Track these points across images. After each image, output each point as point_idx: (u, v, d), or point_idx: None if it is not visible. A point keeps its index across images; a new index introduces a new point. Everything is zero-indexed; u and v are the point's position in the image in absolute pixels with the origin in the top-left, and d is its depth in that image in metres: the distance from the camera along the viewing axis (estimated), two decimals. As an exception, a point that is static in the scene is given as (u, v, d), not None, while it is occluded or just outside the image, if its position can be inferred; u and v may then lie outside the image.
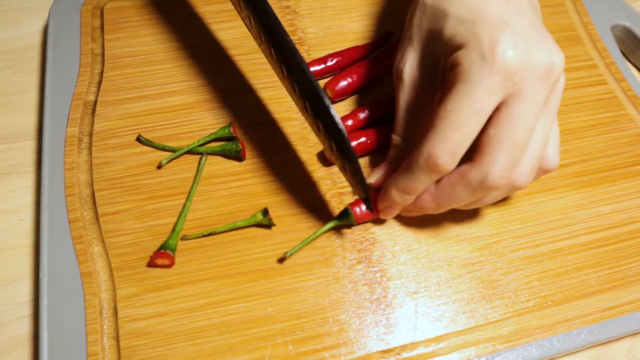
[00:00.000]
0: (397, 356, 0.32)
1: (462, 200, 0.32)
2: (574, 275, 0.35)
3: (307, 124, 0.40)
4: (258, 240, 0.35)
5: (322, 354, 0.32)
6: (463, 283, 0.35)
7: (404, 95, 0.35)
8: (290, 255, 0.34)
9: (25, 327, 0.33)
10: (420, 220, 0.36)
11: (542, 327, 0.33)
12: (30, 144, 0.40)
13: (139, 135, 0.38)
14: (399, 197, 0.33)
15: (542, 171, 0.33)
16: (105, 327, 0.32)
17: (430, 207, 0.33)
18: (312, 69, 0.41)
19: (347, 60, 0.42)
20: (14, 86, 0.43)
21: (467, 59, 0.29)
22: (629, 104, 0.44)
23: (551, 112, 0.31)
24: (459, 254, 0.36)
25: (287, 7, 0.46)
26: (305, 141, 0.39)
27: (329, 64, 0.42)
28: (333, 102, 0.41)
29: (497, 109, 0.29)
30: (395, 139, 0.36)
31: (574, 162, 0.40)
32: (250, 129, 0.39)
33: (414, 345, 0.32)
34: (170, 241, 0.34)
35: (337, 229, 0.36)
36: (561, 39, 0.47)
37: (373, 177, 0.36)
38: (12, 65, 0.44)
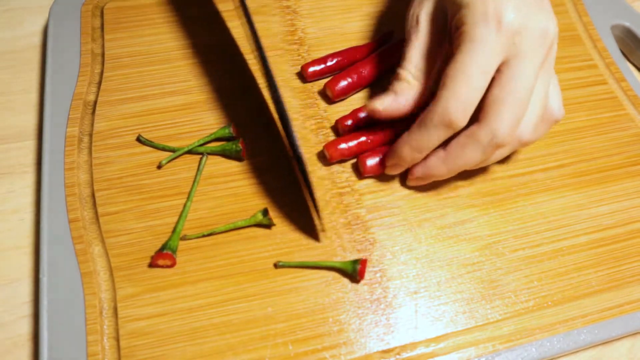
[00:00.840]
0: (397, 356, 0.32)
1: (472, 160, 0.33)
2: (574, 275, 0.35)
3: (306, 124, 0.40)
4: (258, 240, 0.35)
5: (322, 354, 0.32)
6: (463, 283, 0.35)
7: (417, 38, 0.36)
8: (282, 266, 0.34)
9: (25, 327, 0.33)
10: (420, 220, 0.37)
11: (542, 327, 0.33)
12: (30, 144, 0.40)
13: (139, 135, 0.38)
14: (410, 155, 0.34)
15: (549, 122, 0.35)
16: (105, 327, 0.32)
17: (442, 171, 0.34)
18: (311, 69, 0.41)
19: (347, 60, 0.42)
20: (14, 86, 0.43)
21: (471, 19, 0.31)
22: (629, 103, 0.44)
23: (548, 71, 0.33)
24: (459, 254, 0.36)
25: (287, 7, 0.46)
26: (305, 141, 0.39)
27: (329, 64, 0.42)
28: (333, 102, 0.41)
29: (498, 70, 0.31)
30: (403, 73, 0.36)
31: (573, 162, 0.40)
32: (250, 129, 0.39)
33: (414, 345, 0.32)
34: (172, 242, 0.34)
35: (338, 271, 0.36)
36: (561, 38, 0.47)
37: (380, 104, 0.35)
38: (12, 65, 0.44)
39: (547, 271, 0.35)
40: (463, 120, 0.31)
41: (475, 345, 0.33)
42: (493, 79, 0.31)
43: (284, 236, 0.35)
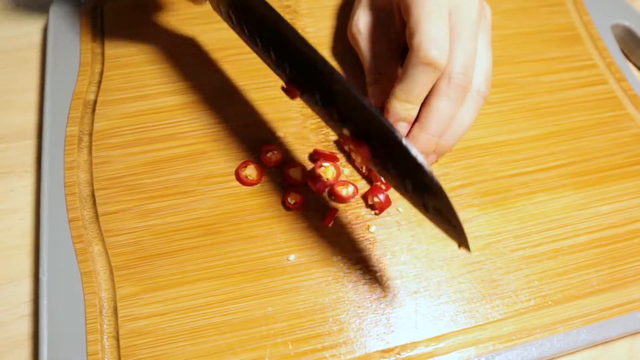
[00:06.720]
0: (397, 356, 0.32)
1: (449, 108, 0.34)
2: (574, 274, 0.35)
3: (306, 124, 0.40)
4: (258, 240, 0.35)
5: (322, 354, 0.32)
6: (463, 283, 0.35)
7: (365, 42, 0.40)
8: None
9: (25, 327, 0.33)
10: (420, 219, 0.36)
11: (542, 326, 0.33)
12: (31, 143, 0.40)
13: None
14: (401, 108, 0.34)
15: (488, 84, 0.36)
16: (105, 326, 0.32)
17: (425, 140, 0.34)
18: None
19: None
20: (14, 85, 0.43)
21: None
22: (629, 103, 0.44)
23: (485, 33, 0.37)
24: (459, 254, 0.35)
25: (288, 6, 0.46)
26: (305, 140, 0.39)
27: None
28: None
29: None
30: (373, 76, 0.39)
31: (574, 162, 0.40)
32: (249, 128, 0.39)
33: (414, 344, 0.32)
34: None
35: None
36: (561, 38, 0.47)
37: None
38: (12, 65, 0.44)
39: (548, 271, 0.35)
40: (440, 56, 0.32)
41: (475, 344, 0.33)
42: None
43: (284, 236, 0.35)
